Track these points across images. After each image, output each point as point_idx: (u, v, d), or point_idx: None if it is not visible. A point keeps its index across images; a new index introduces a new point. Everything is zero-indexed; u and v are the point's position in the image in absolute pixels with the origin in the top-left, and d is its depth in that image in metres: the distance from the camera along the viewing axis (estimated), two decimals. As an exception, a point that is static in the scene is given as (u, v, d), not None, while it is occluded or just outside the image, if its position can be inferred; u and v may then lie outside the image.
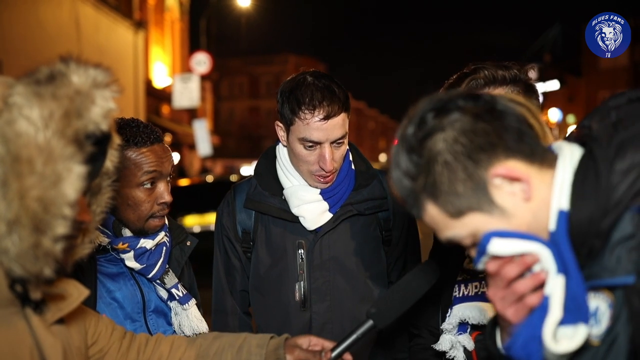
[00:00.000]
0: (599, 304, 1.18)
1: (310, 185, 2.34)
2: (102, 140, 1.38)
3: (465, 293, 1.97)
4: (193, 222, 10.76)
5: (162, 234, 2.18)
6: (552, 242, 1.20)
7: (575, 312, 1.17)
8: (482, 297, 1.92)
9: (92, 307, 1.98)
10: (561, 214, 1.20)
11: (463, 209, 1.22)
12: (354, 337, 1.76)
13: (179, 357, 1.78)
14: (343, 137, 2.26)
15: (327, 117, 2.19)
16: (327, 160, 2.23)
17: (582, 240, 1.19)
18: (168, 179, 2.15)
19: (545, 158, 1.24)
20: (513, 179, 1.20)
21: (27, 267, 1.23)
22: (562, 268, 1.18)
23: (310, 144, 2.23)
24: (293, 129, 2.25)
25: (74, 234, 1.32)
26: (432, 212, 1.25)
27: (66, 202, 1.22)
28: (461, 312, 1.96)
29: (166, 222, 2.22)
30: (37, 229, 1.20)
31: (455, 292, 2.00)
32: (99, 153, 1.39)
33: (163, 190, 2.11)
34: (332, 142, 2.24)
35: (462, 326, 1.98)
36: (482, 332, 1.94)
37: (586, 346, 1.18)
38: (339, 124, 2.23)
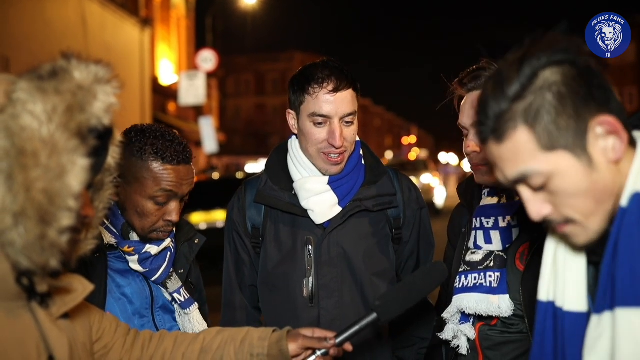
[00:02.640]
0: None
1: (321, 172, 2.33)
2: (104, 135, 1.40)
3: (465, 284, 2.05)
4: (199, 219, 10.77)
5: (168, 240, 2.18)
6: (620, 215, 1.24)
7: None
8: (479, 289, 2.01)
9: (102, 302, 2.01)
10: (637, 196, 1.23)
11: (557, 145, 1.22)
12: (356, 327, 1.78)
13: (183, 352, 1.80)
14: (352, 114, 2.28)
15: (335, 90, 2.23)
16: (336, 136, 2.23)
17: None
18: (182, 200, 2.14)
19: (630, 137, 1.28)
20: (614, 132, 1.22)
21: (34, 259, 1.25)
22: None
23: (320, 120, 2.25)
24: (303, 108, 2.28)
25: (78, 228, 1.34)
26: (521, 139, 1.23)
27: (71, 194, 1.23)
28: (459, 301, 2.05)
29: (173, 229, 2.21)
30: (43, 220, 1.22)
31: (456, 283, 2.08)
32: (101, 148, 1.41)
33: (172, 209, 2.11)
34: (341, 119, 2.26)
35: (465, 316, 2.05)
36: (486, 323, 2.03)
37: None
38: (347, 99, 2.26)
